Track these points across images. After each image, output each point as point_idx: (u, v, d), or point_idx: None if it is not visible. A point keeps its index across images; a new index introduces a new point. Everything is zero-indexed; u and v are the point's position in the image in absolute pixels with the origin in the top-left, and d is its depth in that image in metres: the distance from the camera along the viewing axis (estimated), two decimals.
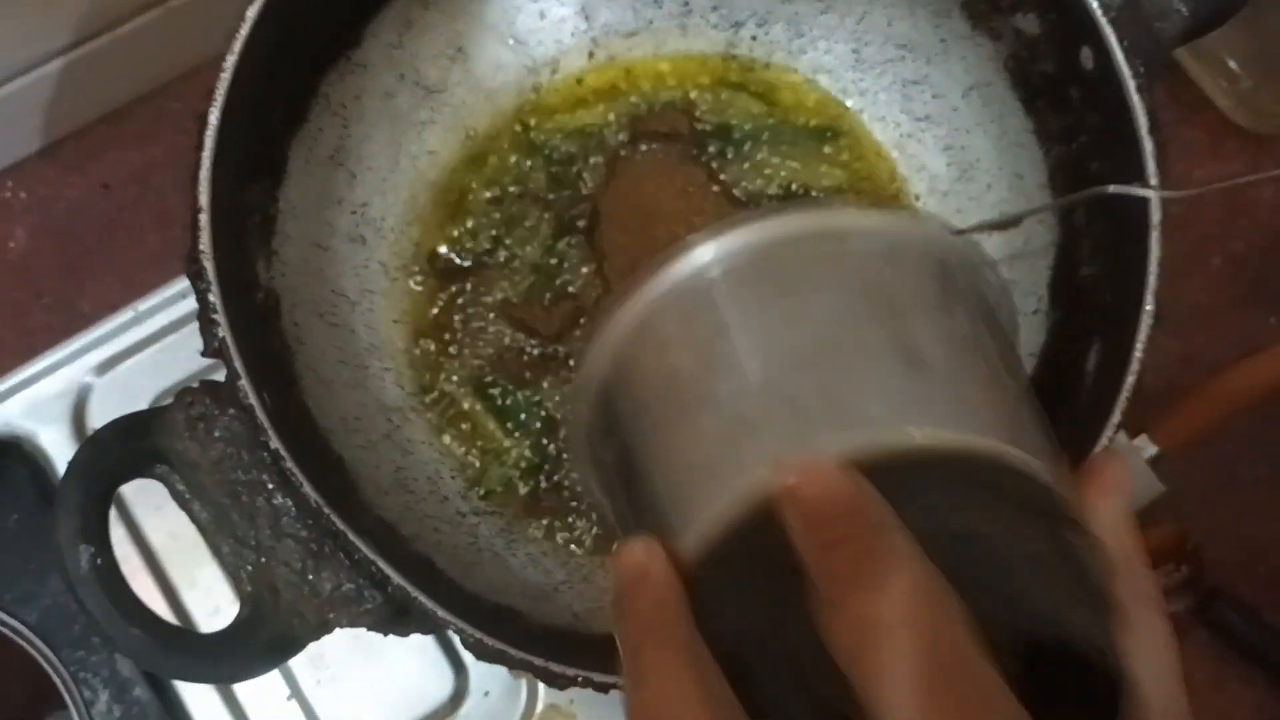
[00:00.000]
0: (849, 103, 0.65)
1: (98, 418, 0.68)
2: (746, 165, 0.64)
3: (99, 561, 0.45)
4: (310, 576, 0.47)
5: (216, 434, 0.48)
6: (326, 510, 0.47)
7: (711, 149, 0.64)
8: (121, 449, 0.47)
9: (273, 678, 0.63)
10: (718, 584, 0.35)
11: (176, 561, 0.64)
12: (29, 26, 0.70)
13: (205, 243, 0.48)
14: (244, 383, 0.47)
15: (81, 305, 0.78)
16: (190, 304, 0.67)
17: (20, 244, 0.79)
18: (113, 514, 0.62)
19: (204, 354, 0.48)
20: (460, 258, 0.62)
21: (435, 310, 0.62)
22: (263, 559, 0.48)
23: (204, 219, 0.48)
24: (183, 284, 0.68)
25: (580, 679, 0.48)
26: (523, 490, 0.60)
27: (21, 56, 0.72)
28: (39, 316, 0.78)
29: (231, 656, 0.47)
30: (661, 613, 0.35)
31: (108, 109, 0.80)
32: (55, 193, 0.80)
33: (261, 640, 0.47)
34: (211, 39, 0.73)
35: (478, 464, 0.60)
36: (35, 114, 0.76)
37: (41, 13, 0.69)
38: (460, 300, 0.62)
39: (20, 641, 0.63)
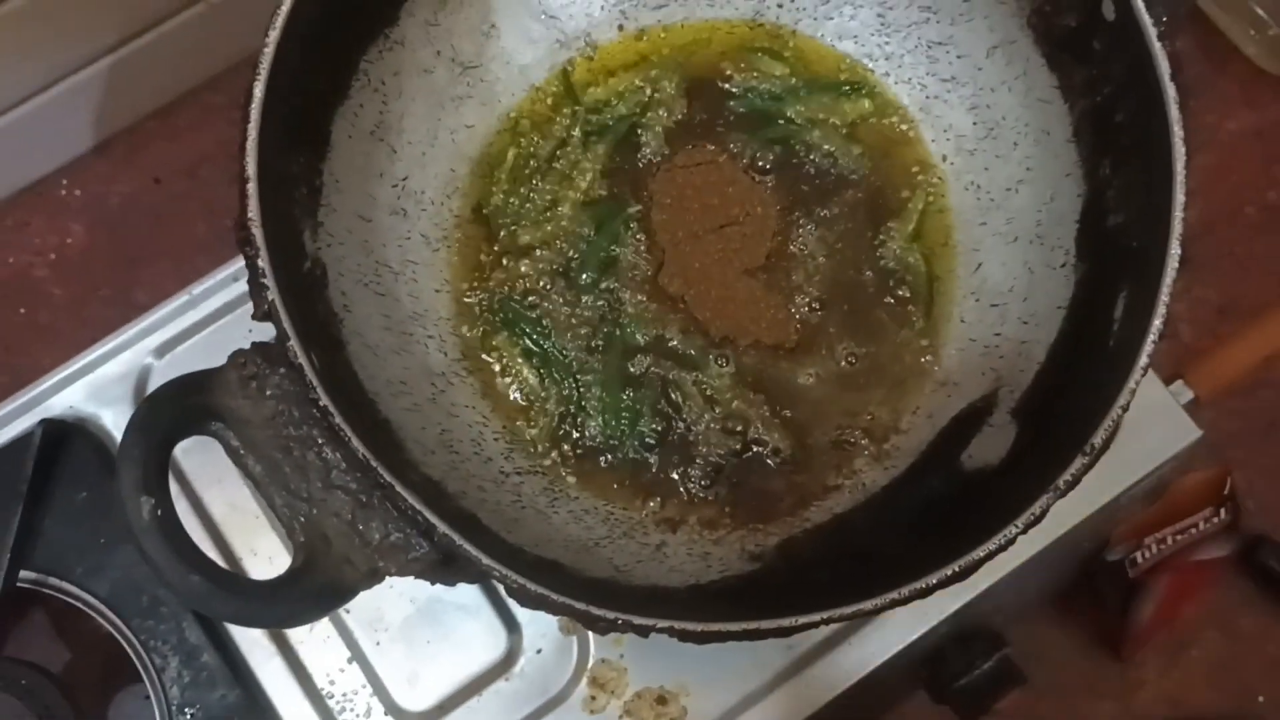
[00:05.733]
0: (874, 67, 0.66)
1: None
2: (775, 128, 0.65)
3: (159, 512, 0.46)
4: (360, 526, 0.49)
5: (268, 392, 0.50)
6: (374, 463, 0.48)
7: (741, 114, 0.65)
8: (178, 406, 0.49)
9: (334, 641, 0.65)
10: None
11: (238, 532, 0.66)
12: (76, 26, 0.72)
13: (254, 210, 0.50)
14: (293, 343, 0.49)
15: (137, 296, 0.80)
16: (242, 286, 0.69)
17: (78, 240, 0.82)
18: (176, 489, 0.65)
19: (254, 317, 0.50)
20: (501, 226, 0.64)
21: (477, 273, 0.63)
22: (314, 510, 0.49)
23: (251, 188, 0.50)
24: (234, 267, 0.70)
25: (620, 621, 0.49)
26: (564, 443, 0.61)
27: (71, 56, 0.74)
28: (96, 309, 0.81)
29: (285, 601, 0.49)
30: None
31: (156, 105, 0.82)
32: (108, 188, 0.83)
33: (314, 586, 0.49)
34: (254, 33, 0.75)
35: (522, 420, 0.62)
36: (86, 112, 0.79)
37: (87, 12, 0.71)
38: (501, 266, 0.63)
39: (93, 614, 0.65)
